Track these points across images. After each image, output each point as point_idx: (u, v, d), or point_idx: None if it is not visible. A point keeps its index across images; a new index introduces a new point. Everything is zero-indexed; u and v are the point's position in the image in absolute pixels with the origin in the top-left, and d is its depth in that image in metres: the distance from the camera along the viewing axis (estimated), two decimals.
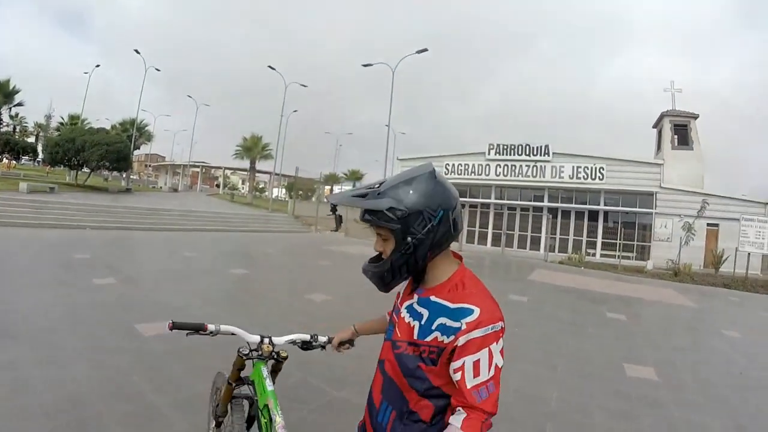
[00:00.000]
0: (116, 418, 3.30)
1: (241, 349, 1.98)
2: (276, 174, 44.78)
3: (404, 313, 1.49)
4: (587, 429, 4.05)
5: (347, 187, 73.89)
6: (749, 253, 19.10)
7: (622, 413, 4.45)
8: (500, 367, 1.30)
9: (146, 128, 48.27)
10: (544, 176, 27.42)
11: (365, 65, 30.29)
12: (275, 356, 1.97)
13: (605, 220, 27.34)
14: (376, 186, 1.41)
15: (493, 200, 29.46)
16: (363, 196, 1.40)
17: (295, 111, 47.17)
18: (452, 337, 1.30)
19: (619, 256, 23.30)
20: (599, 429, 4.06)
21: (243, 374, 2.09)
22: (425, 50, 28.14)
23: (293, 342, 2.06)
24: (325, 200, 1.69)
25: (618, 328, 8.54)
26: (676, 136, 27.66)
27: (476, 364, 1.27)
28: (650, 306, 12.02)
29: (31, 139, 52.59)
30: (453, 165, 30.03)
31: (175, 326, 1.87)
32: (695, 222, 24.17)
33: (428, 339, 1.36)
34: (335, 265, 13.83)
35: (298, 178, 34.15)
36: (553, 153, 27.27)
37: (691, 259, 21.82)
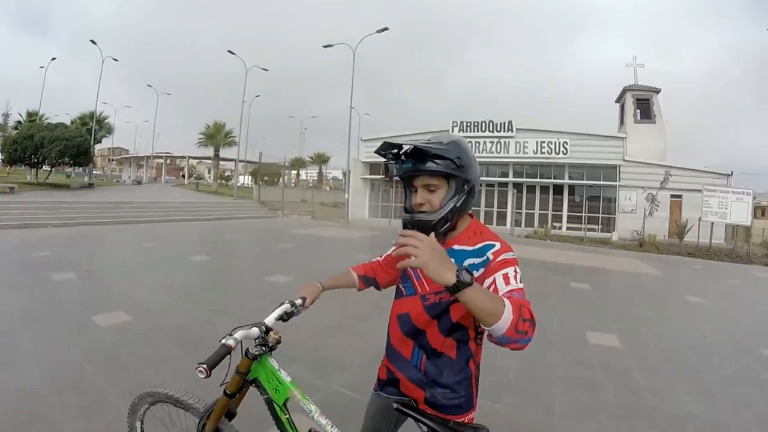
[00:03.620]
0: (68, 411, 3.21)
1: (250, 350, 1.70)
2: (240, 161, 44.12)
3: None
4: (547, 398, 3.89)
5: (313, 171, 73.40)
6: (712, 223, 19.30)
7: (584, 382, 4.31)
8: (523, 288, 1.42)
9: (106, 121, 46.71)
10: (508, 152, 27.37)
11: (326, 46, 29.70)
12: (280, 340, 1.73)
13: (570, 193, 27.48)
14: (434, 141, 1.55)
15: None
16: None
17: (257, 96, 46.45)
18: (481, 270, 1.48)
19: (584, 228, 23.47)
20: (560, 398, 3.90)
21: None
22: (386, 29, 27.63)
23: (279, 318, 1.84)
24: (388, 143, 1.48)
25: (581, 297, 8.48)
26: (638, 110, 27.85)
27: (506, 277, 1.42)
28: (615, 275, 12.05)
29: None
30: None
31: (211, 366, 1.57)
32: (659, 193, 24.43)
33: None
34: (298, 247, 13.48)
35: (262, 164, 33.62)
36: (517, 129, 27.20)
37: (655, 230, 22.10)
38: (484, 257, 1.50)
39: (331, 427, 1.59)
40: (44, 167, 30.68)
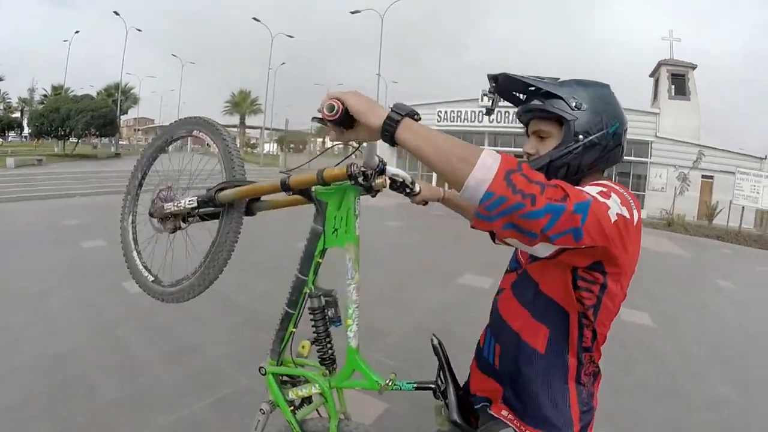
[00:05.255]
0: (104, 374, 3.33)
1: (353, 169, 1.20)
2: (266, 128, 44.24)
3: None
4: None
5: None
6: (743, 207, 18.82)
7: (619, 359, 4.34)
8: (608, 206, 0.98)
9: (132, 91, 47.14)
10: None
11: (353, 12, 29.49)
12: (383, 188, 1.29)
13: None
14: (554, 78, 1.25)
15: (486, 148, 28.81)
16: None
17: (283, 64, 46.28)
18: None
19: None
20: None
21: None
22: None
23: (395, 177, 1.57)
24: (489, 76, 1.26)
25: None
26: (673, 86, 26.96)
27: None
28: (643, 253, 11.73)
29: (17, 115, 51.47)
30: (445, 112, 29.44)
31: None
32: (690, 173, 23.85)
33: None
34: None
35: (288, 132, 33.73)
36: None
37: (685, 210, 21.61)
38: None
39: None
40: (71, 139, 30.92)
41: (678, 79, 27.08)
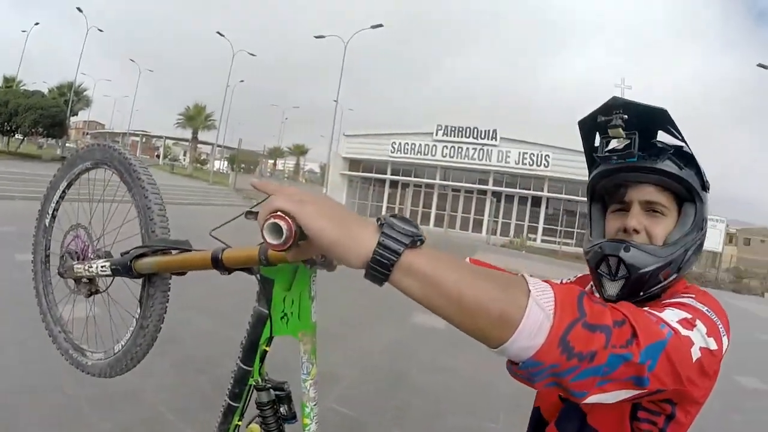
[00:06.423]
0: (34, 418, 2.94)
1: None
2: (218, 146, 43.51)
3: None
4: None
5: (290, 162, 72.38)
6: None
7: None
8: (691, 342, 0.73)
9: (85, 93, 45.58)
10: (490, 160, 27.72)
11: (317, 37, 29.76)
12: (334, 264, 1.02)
13: (547, 206, 27.82)
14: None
15: (438, 181, 29.55)
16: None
17: (241, 81, 45.93)
18: None
19: (559, 242, 23.72)
20: None
21: None
22: (380, 26, 27.70)
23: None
24: (616, 102, 0.79)
25: None
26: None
27: (662, 307, 0.79)
28: None
29: None
30: (399, 144, 29.82)
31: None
32: None
33: None
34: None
35: (240, 151, 33.26)
36: (501, 138, 27.54)
37: None
38: None
39: None
40: (17, 136, 29.88)
41: None
